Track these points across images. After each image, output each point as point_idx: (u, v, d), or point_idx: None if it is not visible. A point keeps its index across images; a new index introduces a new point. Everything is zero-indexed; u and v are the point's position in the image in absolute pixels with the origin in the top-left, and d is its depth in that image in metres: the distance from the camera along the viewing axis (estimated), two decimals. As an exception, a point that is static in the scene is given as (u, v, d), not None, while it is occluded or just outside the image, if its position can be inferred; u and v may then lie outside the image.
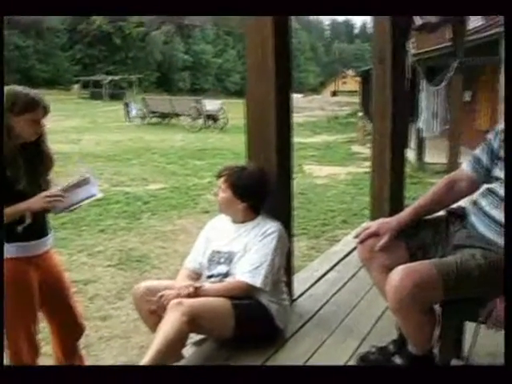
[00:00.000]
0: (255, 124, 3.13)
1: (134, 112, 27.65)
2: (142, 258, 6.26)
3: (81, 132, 20.97)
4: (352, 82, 67.29)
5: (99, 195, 2.82)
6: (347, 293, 3.73)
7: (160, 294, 2.70)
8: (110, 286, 5.41)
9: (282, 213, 3.15)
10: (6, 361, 2.66)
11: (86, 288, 5.33)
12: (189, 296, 2.68)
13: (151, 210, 8.67)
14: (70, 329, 2.98)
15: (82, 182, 2.74)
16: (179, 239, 6.96)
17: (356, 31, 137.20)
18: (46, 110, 2.62)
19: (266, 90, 3.01)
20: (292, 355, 2.83)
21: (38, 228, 2.71)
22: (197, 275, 3.06)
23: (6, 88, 2.57)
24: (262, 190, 2.96)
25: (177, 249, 6.50)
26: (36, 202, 2.58)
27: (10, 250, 2.57)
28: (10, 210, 2.47)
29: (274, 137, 3.03)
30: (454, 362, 2.49)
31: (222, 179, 2.94)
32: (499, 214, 2.18)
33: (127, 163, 13.52)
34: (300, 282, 3.79)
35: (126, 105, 28.98)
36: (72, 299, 3.03)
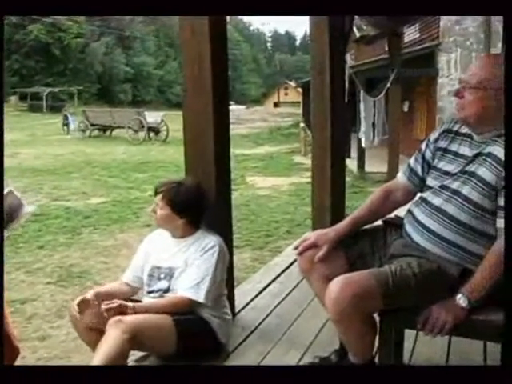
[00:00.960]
0: (193, 137, 3.11)
1: (72, 124, 27.26)
2: (83, 274, 6.12)
3: (19, 145, 20.43)
4: (294, 93, 68.12)
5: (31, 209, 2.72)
6: (290, 304, 3.73)
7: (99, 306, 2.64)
8: (49, 304, 5.26)
9: (223, 226, 3.13)
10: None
11: (23, 307, 5.16)
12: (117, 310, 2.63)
13: (92, 224, 8.51)
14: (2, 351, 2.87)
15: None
16: (121, 254, 6.85)
17: (297, 43, 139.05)
18: None
19: (204, 103, 3.00)
20: (235, 369, 2.81)
21: None
22: (132, 289, 3.02)
23: None
24: (200, 205, 2.93)
25: (119, 263, 6.38)
26: None
27: None
28: None
29: (212, 149, 3.01)
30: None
31: (159, 196, 2.89)
32: (432, 223, 2.22)
33: (67, 177, 13.26)
34: (242, 294, 3.77)
35: (65, 117, 28.60)
36: (5, 320, 2.92)
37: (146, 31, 76.46)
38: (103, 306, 2.60)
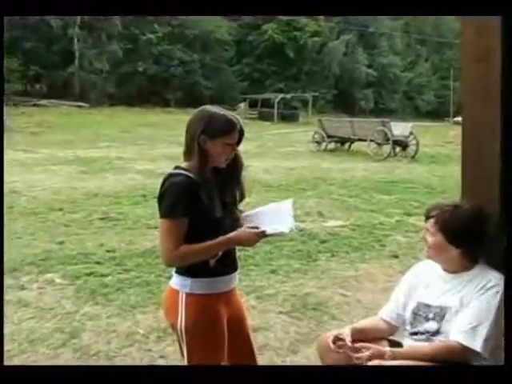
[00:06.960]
0: (474, 151, 3.06)
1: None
2: (318, 306, 6.27)
3: (248, 157, 21.62)
4: None
5: (286, 231, 2.81)
6: None
7: (353, 345, 2.74)
8: (281, 336, 5.49)
9: (505, 261, 3.03)
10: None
11: (255, 335, 5.44)
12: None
13: (330, 250, 8.70)
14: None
15: (274, 213, 2.86)
16: (363, 287, 6.92)
17: None
18: (241, 134, 2.80)
19: (489, 111, 2.93)
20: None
21: (229, 261, 2.86)
22: (390, 327, 3.07)
23: (201, 108, 2.81)
24: (480, 234, 2.88)
25: (360, 298, 6.47)
26: (249, 239, 2.74)
27: (202, 286, 2.75)
28: (217, 244, 2.67)
29: (497, 168, 2.93)
30: None
31: (431, 221, 2.92)
32: None
33: (301, 194, 13.77)
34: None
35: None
36: (251, 340, 3.15)
37: (394, 26, 76.63)
38: (356, 354, 2.70)
